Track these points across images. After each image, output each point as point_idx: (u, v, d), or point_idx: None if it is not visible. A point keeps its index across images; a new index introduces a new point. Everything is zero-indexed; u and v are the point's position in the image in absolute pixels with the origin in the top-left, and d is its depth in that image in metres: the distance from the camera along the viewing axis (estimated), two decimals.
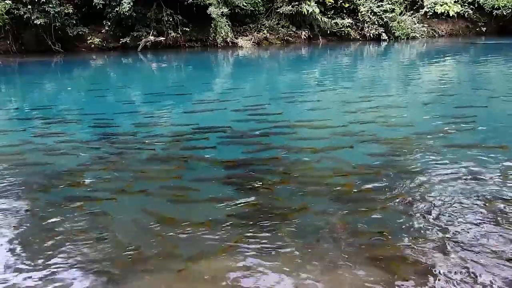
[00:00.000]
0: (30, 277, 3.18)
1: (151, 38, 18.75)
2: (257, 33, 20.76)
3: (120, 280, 3.14)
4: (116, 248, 3.55)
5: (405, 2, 22.97)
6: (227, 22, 19.60)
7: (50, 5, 17.03)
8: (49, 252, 3.48)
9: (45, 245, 3.60)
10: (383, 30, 21.29)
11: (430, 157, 5.32)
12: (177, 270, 3.24)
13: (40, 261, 3.36)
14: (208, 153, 5.72)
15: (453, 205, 4.07)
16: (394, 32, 21.58)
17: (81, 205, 4.29)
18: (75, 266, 3.29)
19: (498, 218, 3.81)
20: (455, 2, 22.77)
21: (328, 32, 21.74)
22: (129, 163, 5.44)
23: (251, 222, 3.85)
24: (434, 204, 4.10)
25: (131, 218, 4.02)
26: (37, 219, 4.06)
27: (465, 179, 4.65)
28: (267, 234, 3.65)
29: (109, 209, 4.20)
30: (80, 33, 18.57)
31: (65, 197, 4.47)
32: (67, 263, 3.33)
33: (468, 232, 3.60)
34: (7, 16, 16.90)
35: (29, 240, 3.69)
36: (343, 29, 21.69)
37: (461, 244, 3.42)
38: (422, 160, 5.25)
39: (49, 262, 3.34)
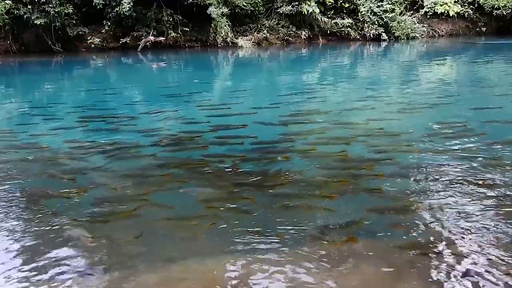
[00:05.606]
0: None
1: (151, 38, 18.74)
2: (257, 33, 20.75)
3: (124, 280, 3.15)
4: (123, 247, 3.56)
5: (405, 2, 22.95)
6: (227, 22, 19.59)
7: (50, 5, 17.01)
8: (54, 257, 3.49)
9: (47, 250, 3.60)
10: (383, 30, 21.27)
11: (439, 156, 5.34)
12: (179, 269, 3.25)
13: (44, 267, 3.36)
14: (214, 151, 5.73)
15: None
16: (394, 32, 21.57)
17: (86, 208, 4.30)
18: (85, 271, 3.30)
19: None
20: (455, 2, 22.75)
21: (328, 32, 21.73)
22: (134, 165, 5.41)
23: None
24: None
25: (137, 219, 4.04)
26: (38, 222, 4.06)
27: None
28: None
29: (111, 212, 4.21)
30: (80, 33, 18.56)
31: (73, 200, 4.48)
32: (75, 268, 3.32)
33: None
34: (7, 16, 16.88)
35: (32, 246, 3.69)
36: (343, 29, 21.67)
37: None
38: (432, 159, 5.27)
39: (54, 268, 3.32)
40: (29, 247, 3.59)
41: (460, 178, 4.66)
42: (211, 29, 19.42)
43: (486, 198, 4.20)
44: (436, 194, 4.31)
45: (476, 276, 3.05)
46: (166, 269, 3.28)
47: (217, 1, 18.85)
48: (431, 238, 3.55)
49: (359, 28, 21.81)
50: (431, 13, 23.00)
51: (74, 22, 18.22)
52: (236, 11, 19.75)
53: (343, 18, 21.76)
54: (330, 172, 4.99)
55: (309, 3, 20.15)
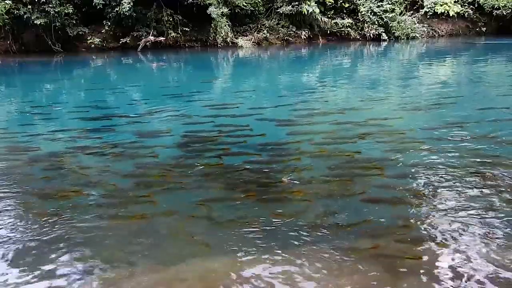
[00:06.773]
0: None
1: (151, 38, 18.72)
2: (257, 33, 20.72)
3: (124, 280, 3.13)
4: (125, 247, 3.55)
5: (405, 2, 22.92)
6: (227, 22, 19.57)
7: (50, 5, 16.99)
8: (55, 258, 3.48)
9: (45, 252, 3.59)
10: (383, 30, 21.25)
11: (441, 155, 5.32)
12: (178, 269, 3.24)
13: (45, 267, 3.35)
14: (217, 151, 5.73)
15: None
16: (394, 32, 21.55)
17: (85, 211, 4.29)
18: (85, 271, 3.29)
19: None
20: (455, 2, 22.73)
21: (328, 32, 21.71)
22: (136, 165, 5.38)
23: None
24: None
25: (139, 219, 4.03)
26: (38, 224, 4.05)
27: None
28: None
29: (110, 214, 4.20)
30: (80, 33, 18.54)
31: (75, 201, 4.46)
32: (75, 268, 3.32)
33: None
34: (7, 16, 16.85)
35: (32, 247, 3.68)
36: (343, 29, 21.66)
37: None
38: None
39: (55, 269, 3.32)
40: (29, 247, 3.58)
41: (463, 177, 4.66)
42: (211, 29, 19.41)
43: (489, 197, 4.19)
44: (439, 194, 4.31)
45: (476, 276, 3.04)
46: (166, 269, 3.27)
47: (217, 1, 18.84)
48: (433, 238, 3.54)
49: (359, 28, 21.78)
50: (431, 13, 22.98)
51: (74, 22, 18.19)
52: (236, 11, 19.73)
53: (343, 18, 21.74)
54: (334, 171, 4.99)
55: (309, 3, 20.13)
